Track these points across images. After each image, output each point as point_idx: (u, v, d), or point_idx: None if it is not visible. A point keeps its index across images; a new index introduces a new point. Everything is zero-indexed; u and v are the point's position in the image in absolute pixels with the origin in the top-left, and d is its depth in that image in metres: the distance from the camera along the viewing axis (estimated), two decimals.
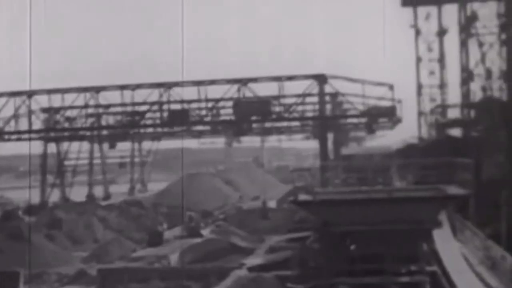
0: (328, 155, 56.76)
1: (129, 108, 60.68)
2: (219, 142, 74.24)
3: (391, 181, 42.40)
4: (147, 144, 77.33)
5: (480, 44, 49.23)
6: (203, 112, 58.75)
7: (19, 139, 63.28)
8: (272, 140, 74.52)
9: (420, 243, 34.12)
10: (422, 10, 66.39)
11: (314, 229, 37.45)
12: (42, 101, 61.47)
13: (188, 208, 64.34)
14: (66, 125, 62.74)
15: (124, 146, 74.70)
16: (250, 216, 60.39)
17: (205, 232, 56.64)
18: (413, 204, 34.82)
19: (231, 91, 56.82)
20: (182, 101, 58.57)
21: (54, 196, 69.92)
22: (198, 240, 52.74)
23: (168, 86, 58.56)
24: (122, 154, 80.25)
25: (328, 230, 33.54)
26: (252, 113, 56.47)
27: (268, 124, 61.64)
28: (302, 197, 35.71)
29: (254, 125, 60.67)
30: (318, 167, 50.57)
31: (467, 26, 51.44)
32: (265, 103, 55.89)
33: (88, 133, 66.83)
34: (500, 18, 51.77)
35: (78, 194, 71.77)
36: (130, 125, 61.82)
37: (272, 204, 67.44)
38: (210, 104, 58.36)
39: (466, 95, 50.63)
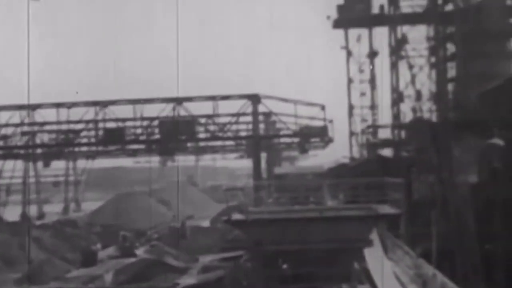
0: (261, 174, 56.53)
1: (64, 126, 59.59)
2: (154, 161, 73.65)
3: (323, 200, 42.29)
4: (81, 163, 76.24)
5: (410, 66, 49.65)
6: (139, 131, 58.01)
7: None
8: (207, 159, 74.21)
9: (351, 262, 34.01)
10: (353, 32, 66.93)
11: (247, 248, 37.04)
12: None
13: (122, 228, 63.52)
14: (0, 143, 61.32)
15: (58, 165, 73.68)
16: (184, 236, 59.89)
17: (139, 251, 55.91)
18: (344, 223, 34.71)
19: (167, 109, 56.25)
20: (117, 120, 57.71)
21: None
22: (132, 259, 51.98)
23: (103, 104, 57.67)
24: (56, 173, 79.08)
25: (261, 249, 33.18)
26: (177, 133, 55.89)
27: (202, 143, 61.23)
28: (235, 216, 35.31)
29: (188, 144, 60.22)
30: (252, 186, 50.30)
31: (397, 48, 51.85)
32: (189, 123, 55.45)
33: (22, 151, 65.52)
34: (429, 41, 52.32)
35: (12, 213, 70.29)
36: (65, 144, 60.72)
37: (205, 223, 67.09)
38: (145, 123, 57.67)
39: (396, 116, 50.94)
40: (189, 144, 60.20)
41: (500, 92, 42.88)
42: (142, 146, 61.06)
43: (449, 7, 56.78)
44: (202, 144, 61.43)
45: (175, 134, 55.79)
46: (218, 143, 61.72)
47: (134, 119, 57.47)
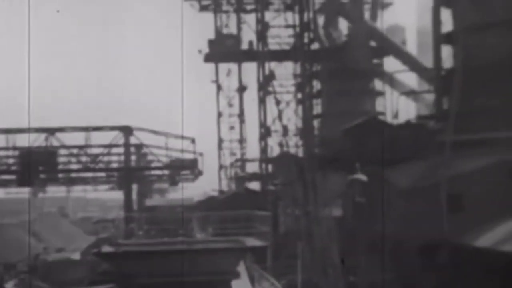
0: (132, 206, 55.92)
1: None
2: (25, 192, 71.70)
3: (192, 232, 42.25)
4: None
5: (278, 102, 50.26)
6: (11, 161, 56.44)
7: None
8: (78, 190, 72.72)
9: None
10: (223, 67, 67.42)
11: (117, 281, 36.42)
12: None
13: None
14: None
15: None
16: (54, 268, 58.25)
17: (8, 285, 54.00)
18: (212, 256, 34.71)
19: (39, 139, 54.94)
20: None
21: None
22: None
23: None
24: None
25: (130, 282, 32.74)
26: (37, 164, 54.67)
27: (74, 174, 60.08)
28: (105, 248, 34.74)
29: (60, 175, 58.97)
30: (122, 218, 49.79)
31: (265, 84, 52.40)
32: (50, 154, 54.39)
33: None
34: (296, 78, 53.17)
35: None
36: None
37: (76, 256, 65.52)
38: (17, 153, 56.16)
39: (264, 150, 51.44)
40: (60, 175, 58.92)
41: (363, 129, 43.98)
42: (13, 177, 59.41)
43: (315, 45, 58.08)
44: (73, 175, 60.21)
45: (34, 165, 54.48)
46: (90, 174, 60.68)
47: (6, 149, 55.89)
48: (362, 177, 37.57)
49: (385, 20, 66.04)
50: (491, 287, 28.97)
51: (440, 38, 43.74)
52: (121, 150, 55.46)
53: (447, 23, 43.70)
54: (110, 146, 54.93)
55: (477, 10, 40.79)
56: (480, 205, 34.22)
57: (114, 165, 56.40)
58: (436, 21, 43.88)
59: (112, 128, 55.19)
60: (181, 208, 51.67)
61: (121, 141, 54.89)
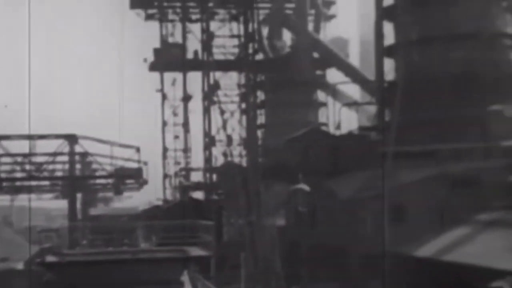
0: (76, 215, 55.28)
1: None
2: None
3: (136, 242, 41.93)
4: None
5: (222, 112, 50.14)
6: None
7: None
8: (22, 199, 71.59)
9: None
10: (168, 76, 67.09)
11: None
12: None
13: None
14: None
15: None
16: None
17: None
18: (156, 265, 34.54)
19: None
20: None
21: None
22: None
23: None
24: None
25: None
26: None
27: (18, 183, 59.22)
28: (49, 258, 34.30)
29: (4, 184, 58.07)
30: (66, 228, 49.17)
31: (210, 93, 52.25)
32: None
33: None
34: (240, 88, 53.21)
35: None
36: None
37: (20, 265, 64.47)
38: None
39: (208, 159, 51.27)
40: (4, 184, 58.02)
41: (305, 139, 44.21)
42: None
43: (260, 56, 58.13)
44: (18, 183, 59.31)
45: None
46: (34, 182, 59.83)
47: None
48: (305, 187, 37.72)
49: (329, 32, 66.74)
50: None
51: (382, 51, 44.13)
52: (66, 158, 54.84)
53: (389, 37, 44.14)
54: (55, 154, 54.27)
55: (418, 24, 41.34)
56: (421, 216, 34.59)
57: (59, 174, 55.73)
58: (379, 34, 44.26)
59: (57, 136, 54.51)
60: (125, 217, 51.32)
61: (66, 149, 54.26)
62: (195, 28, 61.54)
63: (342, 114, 49.29)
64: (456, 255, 30.27)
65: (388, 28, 44.29)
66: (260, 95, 60.72)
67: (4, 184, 57.40)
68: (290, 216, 40.84)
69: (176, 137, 65.98)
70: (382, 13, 44.11)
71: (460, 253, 30.35)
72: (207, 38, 53.48)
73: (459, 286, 28.13)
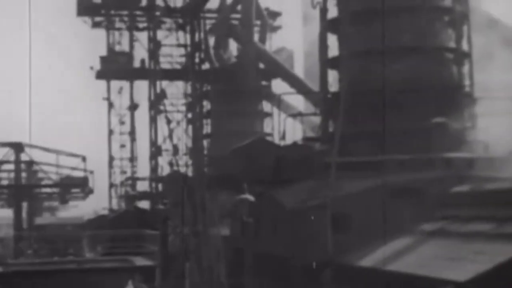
0: (22, 225, 54.39)
1: None
2: None
3: (81, 251, 41.47)
4: None
5: (168, 121, 49.60)
6: None
7: None
8: None
9: None
10: (115, 84, 66.49)
11: None
12: None
13: None
14: None
15: None
16: None
17: None
18: (101, 275, 34.21)
19: None
20: None
21: None
22: None
23: None
24: None
25: None
26: None
27: None
28: None
29: None
30: (11, 237, 48.42)
31: (156, 102, 51.78)
32: None
33: None
34: (186, 98, 52.80)
35: None
36: None
37: None
38: None
39: (154, 169, 50.82)
40: None
41: (250, 149, 44.05)
42: None
43: (206, 66, 57.91)
44: None
45: None
46: None
47: None
48: (250, 197, 37.56)
49: (274, 43, 66.86)
50: None
51: (326, 62, 44.20)
52: (11, 166, 54.10)
53: (334, 48, 44.24)
54: (0, 162, 53.53)
55: (361, 37, 41.52)
56: (364, 226, 34.68)
57: (4, 182, 54.97)
58: (323, 45, 44.33)
59: (3, 145, 53.77)
60: (71, 226, 50.74)
61: (12, 157, 53.52)
62: (142, 37, 61.19)
63: (287, 124, 49.20)
64: (399, 264, 30.39)
65: (333, 40, 44.41)
66: (206, 105, 60.54)
67: None
68: (235, 225, 40.60)
69: (123, 146, 65.45)
70: (326, 25, 44.21)
71: (403, 262, 30.48)
72: (154, 47, 53.04)
73: None
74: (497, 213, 29.69)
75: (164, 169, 50.76)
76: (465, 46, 42.08)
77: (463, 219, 31.57)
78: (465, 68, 42.03)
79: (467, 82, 41.93)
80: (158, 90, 51.70)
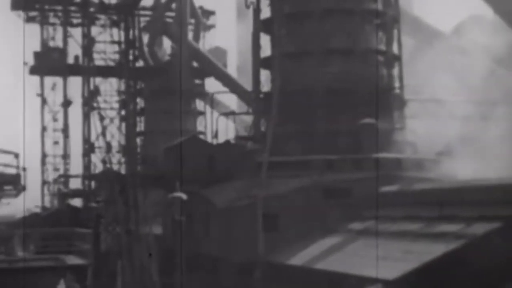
0: None
1: None
2: None
3: (13, 250, 40.51)
4: None
5: (101, 118, 48.81)
6: None
7: None
8: None
9: None
10: (49, 80, 65.25)
11: None
12: None
13: None
14: None
15: None
16: None
17: None
18: (33, 274, 33.61)
19: None
20: None
21: None
22: None
23: None
24: None
25: None
26: None
27: None
28: None
29: None
30: None
31: (90, 99, 50.95)
32: None
33: None
34: (120, 95, 52.06)
35: None
36: None
37: None
38: None
39: (87, 166, 49.96)
40: None
41: (183, 148, 43.65)
42: None
43: (140, 63, 57.24)
44: None
45: None
46: None
47: None
48: (182, 195, 37.18)
49: (208, 42, 66.58)
50: None
51: (259, 62, 44.15)
52: None
53: (267, 48, 44.19)
54: None
55: (293, 38, 41.57)
56: (294, 225, 34.73)
57: None
58: (256, 46, 44.30)
59: None
60: (2, 225, 49.56)
61: None
62: (76, 33, 60.09)
63: (220, 123, 48.99)
64: (328, 263, 30.47)
65: (266, 40, 44.35)
66: (140, 103, 59.91)
67: None
68: (167, 224, 40.26)
69: (56, 142, 64.18)
70: (260, 25, 44.16)
71: (332, 261, 30.57)
72: (88, 43, 52.14)
73: None
74: (424, 213, 30.01)
75: (97, 167, 50.07)
76: (395, 49, 42.51)
77: (391, 219, 31.76)
78: (395, 71, 42.44)
79: (397, 84, 42.35)
80: (91, 87, 50.91)
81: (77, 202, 52.35)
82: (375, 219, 32.90)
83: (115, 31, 51.23)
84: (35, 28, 63.91)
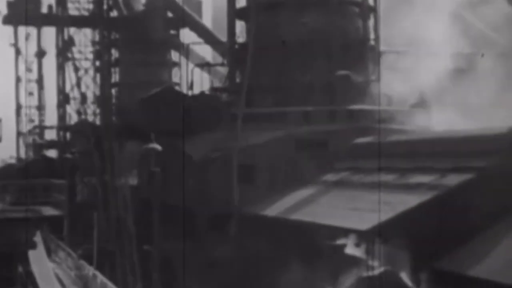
0: None
1: None
2: None
3: None
4: None
5: (76, 69, 48.02)
6: None
7: None
8: None
9: (16, 265, 32.56)
10: (22, 30, 64.21)
11: None
12: None
13: None
14: None
15: None
16: None
17: None
18: (8, 226, 33.35)
19: None
20: None
21: None
22: None
23: None
24: None
25: None
26: None
27: None
28: None
29: None
30: None
31: (64, 50, 50.14)
32: None
33: None
34: (94, 45, 51.22)
35: None
36: None
37: None
38: None
39: (62, 117, 49.43)
40: None
41: (158, 99, 43.13)
42: None
43: (114, 13, 56.23)
44: None
45: None
46: None
47: None
48: (157, 146, 36.72)
49: None
50: (279, 255, 29.13)
51: (234, 13, 43.48)
52: None
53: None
54: None
55: None
56: (269, 176, 34.54)
57: None
58: None
59: None
60: None
61: None
62: None
63: (195, 74, 48.28)
64: (302, 214, 30.32)
65: None
66: (115, 53, 59.01)
67: None
68: (143, 175, 39.86)
69: (30, 93, 63.35)
70: None
71: (306, 212, 30.41)
72: None
73: (305, 244, 28.16)
74: (398, 164, 29.83)
75: (72, 118, 49.48)
76: (371, 0, 42.04)
77: (365, 170, 31.59)
78: (371, 22, 41.99)
79: (372, 36, 41.93)
80: (66, 37, 50.01)
81: (52, 153, 52.02)
82: (350, 170, 32.87)
83: None
84: None
